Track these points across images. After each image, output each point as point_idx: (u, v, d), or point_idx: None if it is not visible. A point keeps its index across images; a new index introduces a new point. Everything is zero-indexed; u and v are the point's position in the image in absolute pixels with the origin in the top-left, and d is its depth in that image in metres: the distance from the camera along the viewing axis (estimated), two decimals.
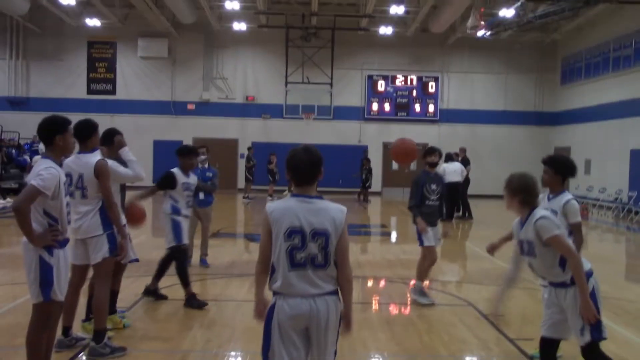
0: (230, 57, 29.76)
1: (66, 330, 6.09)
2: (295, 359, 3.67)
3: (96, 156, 5.76)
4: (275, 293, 3.72)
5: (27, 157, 25.60)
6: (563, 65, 29.53)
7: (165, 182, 7.97)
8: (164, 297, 8.17)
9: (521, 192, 4.52)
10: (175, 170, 8.13)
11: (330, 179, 24.65)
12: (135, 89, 29.45)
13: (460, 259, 12.98)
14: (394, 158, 8.42)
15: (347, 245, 3.75)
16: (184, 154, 8.27)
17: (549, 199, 5.79)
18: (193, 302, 7.84)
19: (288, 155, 3.78)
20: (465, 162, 19.56)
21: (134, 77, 29.55)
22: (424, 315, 7.93)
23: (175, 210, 7.93)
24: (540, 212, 4.46)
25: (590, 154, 25.89)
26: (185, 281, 7.91)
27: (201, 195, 10.31)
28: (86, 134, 5.85)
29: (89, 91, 29.47)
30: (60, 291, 4.87)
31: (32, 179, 4.70)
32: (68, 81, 29.29)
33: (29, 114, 28.15)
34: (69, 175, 5.80)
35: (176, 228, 7.89)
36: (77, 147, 5.65)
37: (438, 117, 30.16)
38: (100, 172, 5.66)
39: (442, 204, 8.53)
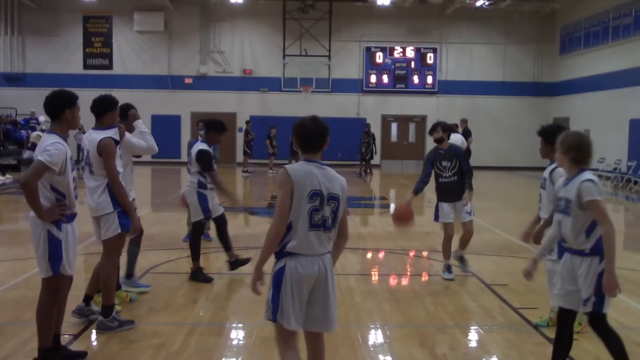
0: (227, 30, 29.55)
1: (87, 299, 6.15)
2: (298, 317, 3.88)
3: (104, 134, 5.71)
4: (284, 255, 3.85)
5: (23, 132, 25.50)
6: (562, 34, 29.36)
7: (210, 162, 7.89)
8: (209, 280, 7.94)
9: (574, 150, 4.51)
10: (205, 146, 7.96)
11: (328, 151, 24.47)
12: (132, 64, 29.29)
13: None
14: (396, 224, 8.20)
15: (347, 211, 4.11)
16: (220, 129, 8.08)
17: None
18: (199, 276, 7.88)
19: (297, 124, 3.99)
20: (467, 134, 19.45)
21: (130, 51, 29.36)
22: (428, 286, 7.99)
23: (202, 185, 7.91)
24: (588, 175, 4.46)
25: (589, 124, 25.85)
26: (195, 254, 7.96)
27: None
28: (101, 110, 5.82)
29: (86, 66, 29.32)
30: (69, 265, 4.89)
31: (39, 155, 4.68)
32: (64, 56, 29.12)
33: (25, 90, 28.09)
34: (82, 150, 5.83)
35: (203, 202, 7.90)
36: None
37: (437, 89, 30.07)
38: (103, 150, 5.62)
39: (461, 179, 8.18)
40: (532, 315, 6.57)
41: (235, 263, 8.24)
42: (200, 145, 7.95)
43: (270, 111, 29.01)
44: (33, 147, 25.13)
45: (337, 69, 29.01)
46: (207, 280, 7.85)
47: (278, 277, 3.85)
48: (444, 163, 8.22)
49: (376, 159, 28.61)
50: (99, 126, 5.83)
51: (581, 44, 27.33)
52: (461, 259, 8.60)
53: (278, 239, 3.85)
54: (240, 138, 27.97)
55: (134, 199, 6.38)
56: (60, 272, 4.84)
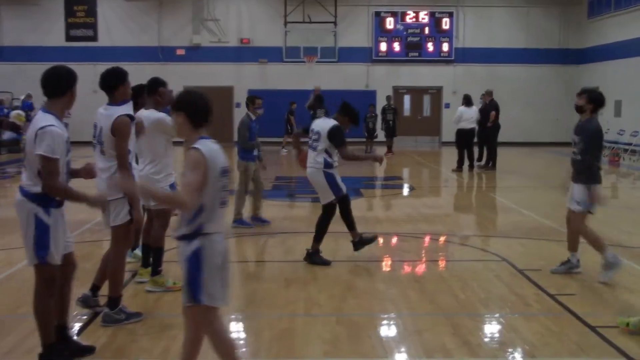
0: None
1: (95, 289, 6.21)
2: (225, 294, 4.22)
3: (120, 110, 5.71)
4: (198, 235, 4.08)
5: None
6: None
7: (344, 138, 8.22)
8: (327, 263, 8.29)
9: None
10: (336, 122, 8.32)
11: None
12: (119, 35, 29.18)
13: (487, 211, 13.08)
14: None
15: None
16: (356, 121, 8.48)
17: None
18: (316, 259, 8.23)
19: (192, 98, 4.18)
20: (493, 107, 19.38)
21: (117, 21, 29.26)
22: (456, 272, 8.04)
23: (328, 164, 8.25)
24: None
25: (621, 94, 25.77)
26: (351, 226, 8.42)
27: (255, 151, 10.73)
28: (113, 84, 5.83)
29: (68, 38, 29.21)
30: (57, 253, 4.86)
31: (38, 149, 4.64)
32: (44, 27, 28.99)
33: (3, 64, 27.98)
34: (95, 126, 5.85)
35: (332, 181, 8.26)
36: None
37: (453, 57, 29.97)
38: (117, 128, 5.63)
39: (584, 160, 7.43)
40: (571, 302, 6.63)
41: (359, 243, 8.50)
42: (331, 122, 8.27)
43: (270, 84, 28.93)
44: (13, 127, 25.22)
45: (343, 36, 28.89)
46: (325, 263, 8.17)
47: (197, 258, 4.07)
48: (574, 136, 7.65)
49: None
50: (113, 101, 5.83)
51: (611, 6, 27.15)
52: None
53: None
54: (238, 114, 27.94)
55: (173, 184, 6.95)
56: (47, 261, 4.81)
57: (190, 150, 4.05)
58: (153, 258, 7.06)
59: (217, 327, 4.28)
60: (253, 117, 10.63)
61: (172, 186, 6.93)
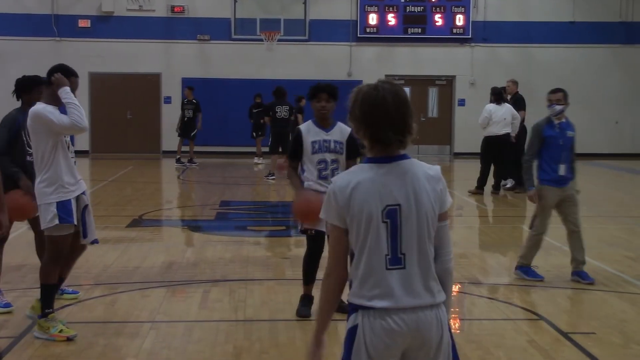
0: None
1: None
2: None
3: None
4: None
5: None
6: None
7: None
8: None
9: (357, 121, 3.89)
10: None
11: None
12: None
13: (519, 250, 13.13)
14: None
15: None
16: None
17: None
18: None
19: None
20: (519, 103, 19.47)
21: None
22: (474, 336, 8.04)
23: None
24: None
25: None
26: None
27: (562, 169, 10.55)
28: None
29: None
30: None
31: None
32: None
33: None
34: None
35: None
36: None
37: (470, 35, 30.24)
38: None
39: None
40: None
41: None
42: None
43: (214, 71, 28.92)
44: None
45: (317, 5, 29.08)
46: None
47: None
48: None
49: None
50: None
51: None
52: None
53: None
54: (167, 112, 28.22)
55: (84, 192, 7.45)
56: None
57: None
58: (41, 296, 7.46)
59: None
60: (555, 121, 10.18)
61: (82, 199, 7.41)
